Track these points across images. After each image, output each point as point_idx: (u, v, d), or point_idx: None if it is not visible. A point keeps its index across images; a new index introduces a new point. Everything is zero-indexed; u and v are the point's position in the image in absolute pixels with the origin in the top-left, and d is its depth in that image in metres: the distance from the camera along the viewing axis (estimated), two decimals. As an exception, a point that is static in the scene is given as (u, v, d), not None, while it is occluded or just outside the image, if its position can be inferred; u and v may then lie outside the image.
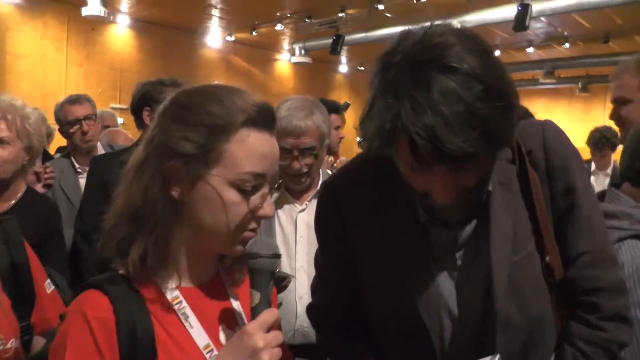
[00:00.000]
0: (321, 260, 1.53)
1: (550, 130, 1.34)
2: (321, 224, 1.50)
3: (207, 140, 1.09)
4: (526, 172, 1.30)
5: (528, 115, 3.43)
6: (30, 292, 1.65)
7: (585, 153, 9.95)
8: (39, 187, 3.19)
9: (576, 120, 20.32)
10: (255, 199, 1.12)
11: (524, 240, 1.29)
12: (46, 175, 3.25)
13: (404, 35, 1.14)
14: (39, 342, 1.66)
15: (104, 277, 1.14)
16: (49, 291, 1.73)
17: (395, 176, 1.25)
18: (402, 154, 1.12)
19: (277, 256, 1.13)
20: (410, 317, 1.29)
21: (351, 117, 6.03)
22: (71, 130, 3.74)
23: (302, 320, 2.33)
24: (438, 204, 1.19)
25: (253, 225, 1.15)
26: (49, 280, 1.75)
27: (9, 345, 1.44)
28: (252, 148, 1.11)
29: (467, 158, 1.04)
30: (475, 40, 1.12)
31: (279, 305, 2.29)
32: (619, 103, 2.51)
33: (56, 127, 4.18)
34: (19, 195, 2.54)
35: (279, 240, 2.44)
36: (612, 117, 2.57)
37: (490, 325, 1.27)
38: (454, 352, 1.31)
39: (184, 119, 1.12)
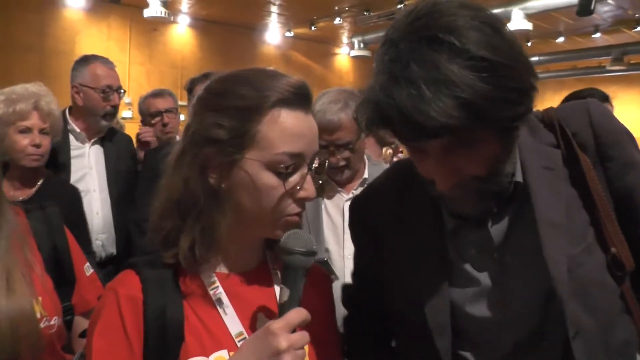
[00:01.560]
0: (361, 270, 1.51)
1: (595, 108, 1.22)
2: (355, 240, 1.46)
3: (238, 124, 1.07)
4: (575, 156, 1.18)
5: (604, 99, 3.26)
6: (71, 275, 1.71)
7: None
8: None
9: (649, 108, 19.54)
10: (293, 180, 1.09)
11: (582, 231, 1.17)
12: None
13: (403, 12, 1.08)
14: (79, 322, 1.73)
15: (142, 259, 1.16)
16: (88, 274, 1.78)
17: (419, 181, 1.20)
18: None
19: (312, 253, 1.08)
20: (425, 330, 1.21)
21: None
22: (152, 122, 3.89)
23: (350, 309, 2.30)
24: (447, 194, 1.12)
25: (295, 208, 1.12)
26: (88, 264, 1.81)
27: (52, 322, 1.51)
28: (285, 127, 1.08)
29: (447, 131, 0.96)
30: (477, 12, 1.03)
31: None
32: None
33: (125, 123, 4.39)
34: (39, 182, 2.62)
35: (327, 230, 2.42)
36: None
37: (555, 330, 1.15)
38: None
39: (216, 105, 1.11)
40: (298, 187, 1.10)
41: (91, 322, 1.12)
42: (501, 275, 1.20)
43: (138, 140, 3.88)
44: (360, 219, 1.39)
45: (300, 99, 1.12)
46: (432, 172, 1.10)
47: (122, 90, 3.21)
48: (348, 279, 2.32)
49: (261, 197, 1.08)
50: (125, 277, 1.13)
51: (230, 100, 1.09)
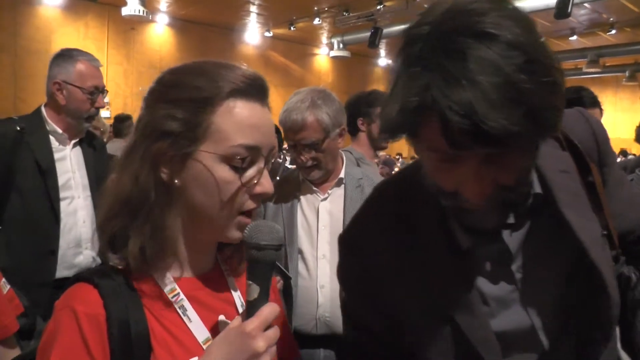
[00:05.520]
0: (360, 312, 1.33)
1: (590, 117, 1.23)
2: (349, 282, 1.32)
3: (192, 116, 1.02)
4: (586, 164, 1.17)
5: (594, 101, 3.21)
6: None
7: (635, 147, 9.54)
8: None
9: (623, 110, 19.71)
10: (249, 174, 1.04)
11: (599, 232, 1.17)
12: None
13: (430, 7, 0.97)
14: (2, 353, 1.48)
15: (94, 270, 1.07)
16: (5, 291, 1.52)
17: (418, 200, 1.12)
18: (430, 138, 0.94)
19: (281, 246, 1.03)
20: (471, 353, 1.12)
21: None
22: None
23: (324, 310, 2.28)
24: (470, 206, 1.03)
25: (251, 204, 1.06)
26: (4, 280, 1.54)
27: None
28: (240, 119, 1.03)
29: (510, 139, 0.87)
30: (513, 8, 0.94)
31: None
32: None
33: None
34: None
35: (302, 230, 2.39)
36: None
37: (572, 337, 1.16)
38: None
39: (168, 97, 1.04)
40: (255, 182, 1.04)
41: (44, 346, 1.00)
42: (520, 286, 1.16)
43: None
44: (357, 261, 1.25)
45: (255, 90, 1.07)
46: (463, 183, 1.00)
47: (105, 91, 3.06)
48: (320, 280, 2.33)
49: (215, 193, 1.03)
50: (81, 293, 1.02)
51: (184, 92, 1.03)
